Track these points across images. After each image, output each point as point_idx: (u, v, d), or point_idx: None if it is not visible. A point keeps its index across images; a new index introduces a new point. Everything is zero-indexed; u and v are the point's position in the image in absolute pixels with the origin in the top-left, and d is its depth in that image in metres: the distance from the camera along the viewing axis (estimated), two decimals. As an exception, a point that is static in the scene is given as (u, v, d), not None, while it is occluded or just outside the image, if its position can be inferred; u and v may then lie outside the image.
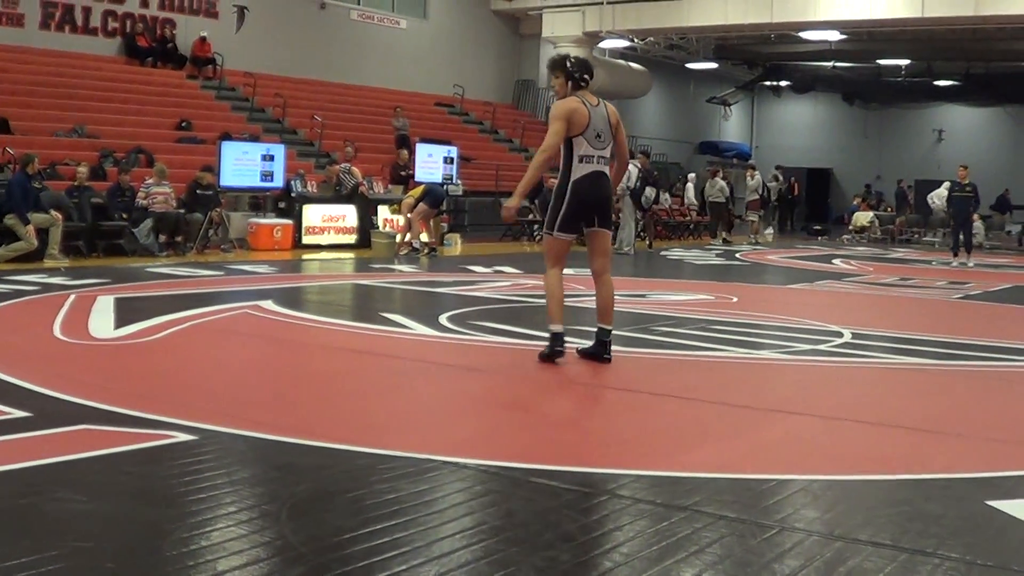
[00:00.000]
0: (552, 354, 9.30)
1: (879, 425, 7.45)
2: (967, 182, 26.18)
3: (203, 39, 31.80)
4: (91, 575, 4.25)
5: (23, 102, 25.40)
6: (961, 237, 26.64)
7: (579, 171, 9.36)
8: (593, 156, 9.44)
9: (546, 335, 9.37)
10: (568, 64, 9.56)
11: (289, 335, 11.10)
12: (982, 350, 11.27)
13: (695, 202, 35.54)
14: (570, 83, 9.51)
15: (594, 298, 9.64)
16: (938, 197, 35.48)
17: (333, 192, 24.66)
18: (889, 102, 51.58)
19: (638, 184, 25.58)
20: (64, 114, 25.64)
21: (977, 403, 8.70)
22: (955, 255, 26.17)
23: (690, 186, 35.73)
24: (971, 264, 25.20)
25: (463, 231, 28.72)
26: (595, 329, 9.56)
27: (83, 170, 20.34)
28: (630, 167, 25.31)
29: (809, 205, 50.18)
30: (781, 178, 42.17)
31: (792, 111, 55.74)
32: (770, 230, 37.40)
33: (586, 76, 9.56)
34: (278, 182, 23.49)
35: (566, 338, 9.39)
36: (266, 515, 5.07)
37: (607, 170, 9.66)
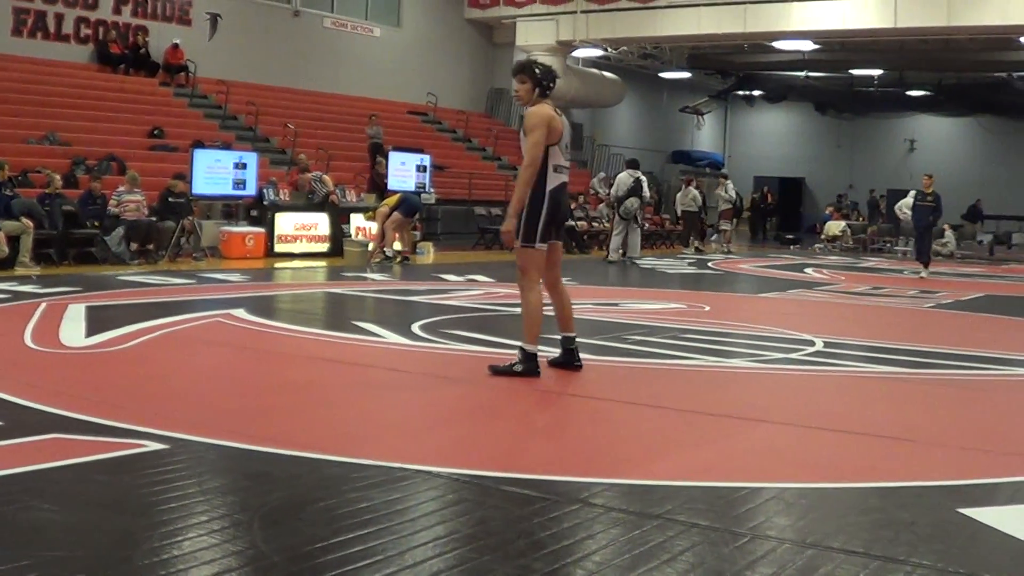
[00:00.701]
0: (526, 372, 9.15)
1: (851, 433, 7.47)
2: (930, 191, 25.35)
3: (175, 46, 31.69)
4: (62, 584, 4.24)
5: (-6, 109, 25.30)
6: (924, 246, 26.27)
7: (554, 180, 9.15)
8: (564, 166, 9.28)
9: (520, 344, 9.33)
10: (536, 70, 9.37)
11: (261, 344, 11.08)
12: (953, 359, 11.32)
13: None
14: (537, 90, 9.33)
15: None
16: (906, 206, 35.54)
17: (305, 200, 24.62)
18: (861, 112, 51.78)
19: (625, 192, 25.85)
20: (36, 121, 25.54)
21: (948, 411, 8.74)
22: (925, 266, 25.34)
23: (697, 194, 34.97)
24: (922, 274, 24.50)
25: (436, 239, 28.70)
26: (559, 338, 9.55)
27: (58, 179, 20.27)
28: (626, 176, 25.83)
29: (781, 214, 50.30)
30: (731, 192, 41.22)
31: (765, 121, 55.87)
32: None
33: (552, 84, 9.39)
34: (250, 190, 23.44)
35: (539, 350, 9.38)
36: (238, 524, 5.05)
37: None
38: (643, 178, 26.69)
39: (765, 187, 46.53)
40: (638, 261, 25.92)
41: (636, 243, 26.79)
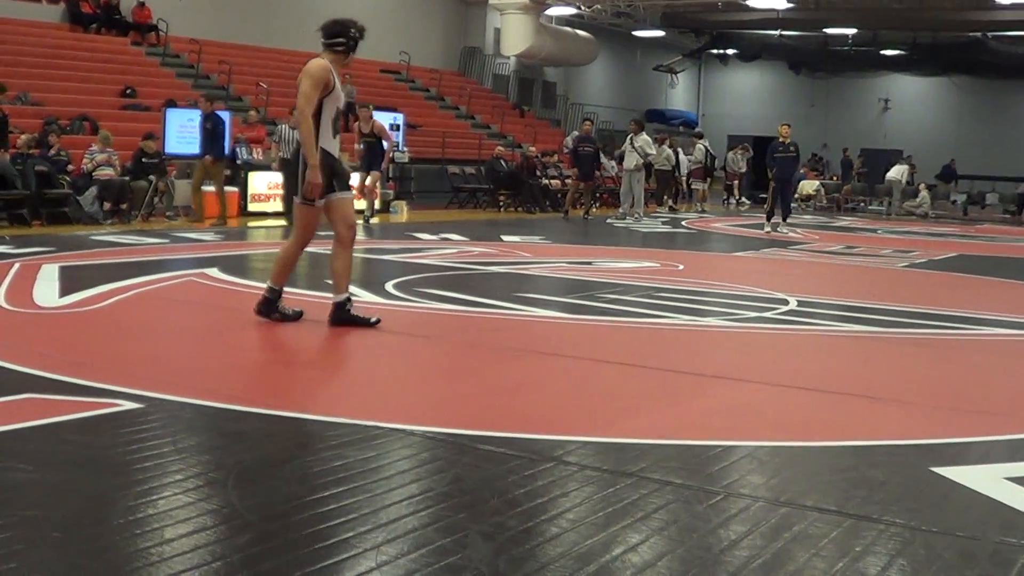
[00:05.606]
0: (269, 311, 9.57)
1: (824, 392, 7.51)
2: (789, 141, 24.71)
3: (141, 4, 31.42)
4: (38, 544, 4.21)
5: (-35, 69, 25.09)
6: (790, 201, 25.76)
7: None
8: None
9: (494, 303, 9.33)
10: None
11: (235, 303, 11.04)
12: (927, 318, 11.37)
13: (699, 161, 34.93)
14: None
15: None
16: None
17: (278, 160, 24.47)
18: (835, 71, 51.66)
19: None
20: (8, 82, 25.26)
21: (921, 371, 8.78)
22: (768, 220, 24.64)
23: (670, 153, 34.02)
24: (787, 231, 24.22)
25: (409, 198, 28.66)
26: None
27: (24, 138, 20.12)
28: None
29: (755, 174, 50.23)
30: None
31: (739, 79, 55.73)
32: (733, 200, 37.53)
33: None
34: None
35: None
36: (213, 483, 5.05)
37: None
38: None
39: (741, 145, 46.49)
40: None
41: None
